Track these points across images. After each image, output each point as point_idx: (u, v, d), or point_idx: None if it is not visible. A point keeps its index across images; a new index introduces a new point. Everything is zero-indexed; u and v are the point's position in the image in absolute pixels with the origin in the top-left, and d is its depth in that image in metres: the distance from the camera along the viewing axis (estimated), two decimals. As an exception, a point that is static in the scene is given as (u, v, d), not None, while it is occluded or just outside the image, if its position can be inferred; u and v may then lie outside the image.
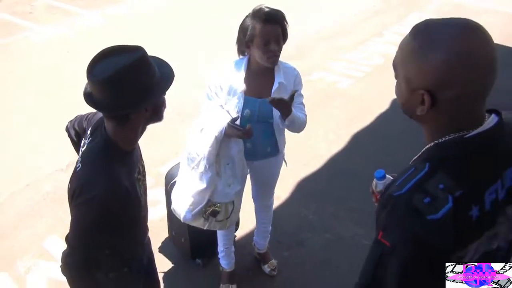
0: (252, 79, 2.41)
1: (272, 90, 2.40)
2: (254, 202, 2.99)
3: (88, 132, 1.68)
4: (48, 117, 4.47)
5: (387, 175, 1.42)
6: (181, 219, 2.55)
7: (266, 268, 3.09)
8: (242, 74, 2.40)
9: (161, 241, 3.29)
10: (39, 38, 6.49)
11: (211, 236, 2.92)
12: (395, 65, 1.15)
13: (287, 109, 2.29)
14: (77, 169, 1.59)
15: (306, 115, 2.52)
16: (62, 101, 4.55)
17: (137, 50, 1.50)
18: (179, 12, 7.42)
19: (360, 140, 4.47)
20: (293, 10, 7.19)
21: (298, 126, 2.46)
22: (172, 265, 3.15)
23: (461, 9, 7.61)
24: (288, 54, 5.95)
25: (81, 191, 1.53)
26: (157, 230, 3.33)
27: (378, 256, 1.07)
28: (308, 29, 6.73)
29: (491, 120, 1.12)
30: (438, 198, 1.02)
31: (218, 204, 2.47)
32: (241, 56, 2.43)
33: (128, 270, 1.83)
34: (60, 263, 1.65)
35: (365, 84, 5.47)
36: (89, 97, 1.52)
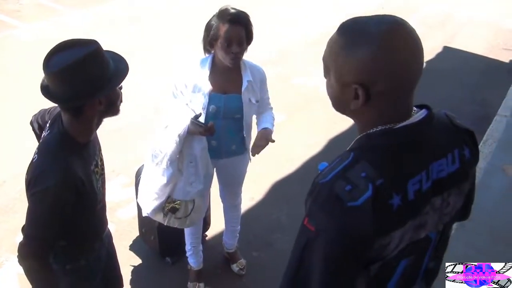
0: (217, 76, 2.46)
1: (242, 89, 2.47)
2: (222, 201, 3.04)
3: (47, 124, 1.72)
4: (28, 114, 4.51)
5: None
6: (143, 213, 2.61)
7: (235, 268, 3.14)
8: (206, 71, 2.45)
9: (132, 239, 3.33)
10: (26, 36, 6.52)
11: (180, 235, 2.96)
12: (325, 63, 1.19)
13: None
14: (33, 160, 1.63)
15: (272, 108, 2.70)
16: (43, 99, 4.59)
17: (91, 44, 1.55)
18: (166, 11, 7.48)
19: (337, 145, 4.52)
20: (281, 17, 7.30)
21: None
22: (142, 262, 3.19)
23: (447, 19, 7.73)
24: (271, 59, 6.08)
25: (36, 181, 1.57)
26: (130, 228, 3.37)
27: (304, 241, 1.10)
28: (294, 36, 6.81)
29: (420, 114, 1.17)
30: (358, 186, 1.06)
31: (178, 202, 2.52)
32: (206, 55, 2.48)
33: (86, 262, 1.86)
34: (17, 254, 1.68)
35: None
36: (45, 89, 1.57)
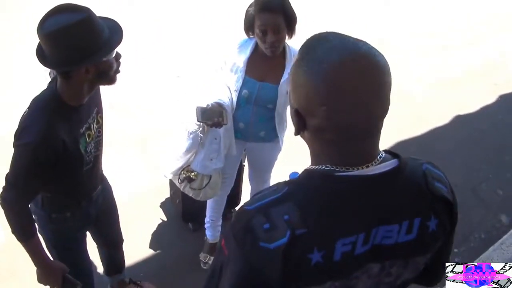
0: (257, 61, 2.39)
1: (282, 80, 2.38)
2: (250, 183, 3.02)
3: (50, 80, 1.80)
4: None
5: None
6: (164, 174, 2.72)
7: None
8: (247, 54, 2.39)
9: (166, 197, 3.45)
10: None
11: (204, 205, 3.01)
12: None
13: None
14: (24, 113, 1.71)
15: None
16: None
17: (82, 12, 1.55)
18: None
19: (405, 151, 4.25)
20: None
21: None
22: (166, 221, 3.32)
23: None
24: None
25: (20, 135, 1.65)
26: (167, 187, 3.48)
27: (219, 262, 1.05)
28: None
29: (383, 166, 1.00)
30: (277, 228, 0.94)
31: (195, 173, 2.57)
32: (250, 35, 2.39)
33: (71, 215, 1.96)
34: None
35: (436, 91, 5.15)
36: (38, 50, 1.62)
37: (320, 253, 0.95)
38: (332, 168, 0.99)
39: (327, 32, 1.03)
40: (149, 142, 4.02)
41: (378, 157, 1.01)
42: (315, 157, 1.05)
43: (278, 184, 1.05)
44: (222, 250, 1.03)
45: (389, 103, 0.99)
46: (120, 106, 4.39)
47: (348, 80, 0.93)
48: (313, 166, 1.03)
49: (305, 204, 0.97)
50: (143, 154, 3.88)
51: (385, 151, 1.06)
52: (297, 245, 0.94)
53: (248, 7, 2.29)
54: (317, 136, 1.01)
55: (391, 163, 1.01)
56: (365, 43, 0.99)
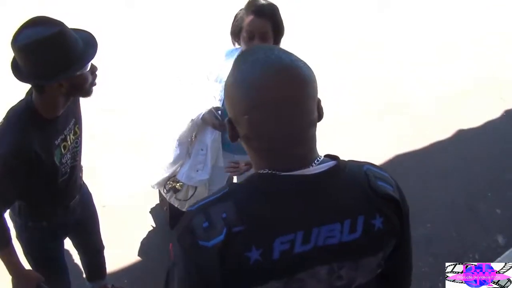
0: None
1: None
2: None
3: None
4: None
5: None
6: (151, 184, 2.72)
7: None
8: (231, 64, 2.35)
9: (156, 203, 3.43)
10: None
11: (192, 213, 2.99)
12: None
13: None
14: None
15: None
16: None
17: (55, 26, 1.52)
18: None
19: (402, 164, 4.18)
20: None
21: None
22: (154, 228, 3.30)
23: None
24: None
25: None
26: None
27: (169, 267, 1.06)
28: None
29: (320, 167, 1.02)
30: (215, 226, 0.97)
31: (181, 183, 2.57)
32: (236, 45, 2.37)
33: (47, 224, 1.95)
34: None
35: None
36: (14, 63, 1.61)
37: (258, 251, 0.96)
38: (271, 172, 1.01)
39: (257, 46, 1.09)
40: (144, 146, 4.01)
41: (316, 161, 1.03)
42: (254, 163, 1.09)
43: (221, 187, 1.07)
44: (170, 254, 1.05)
45: (316, 114, 1.03)
46: (115, 110, 4.41)
47: (269, 93, 0.96)
48: (258, 171, 1.06)
49: (244, 202, 0.99)
50: (138, 158, 3.86)
51: (326, 155, 1.08)
52: (234, 243, 0.95)
53: (239, 11, 2.26)
54: (248, 144, 1.05)
55: (329, 164, 1.04)
56: (290, 55, 1.02)
